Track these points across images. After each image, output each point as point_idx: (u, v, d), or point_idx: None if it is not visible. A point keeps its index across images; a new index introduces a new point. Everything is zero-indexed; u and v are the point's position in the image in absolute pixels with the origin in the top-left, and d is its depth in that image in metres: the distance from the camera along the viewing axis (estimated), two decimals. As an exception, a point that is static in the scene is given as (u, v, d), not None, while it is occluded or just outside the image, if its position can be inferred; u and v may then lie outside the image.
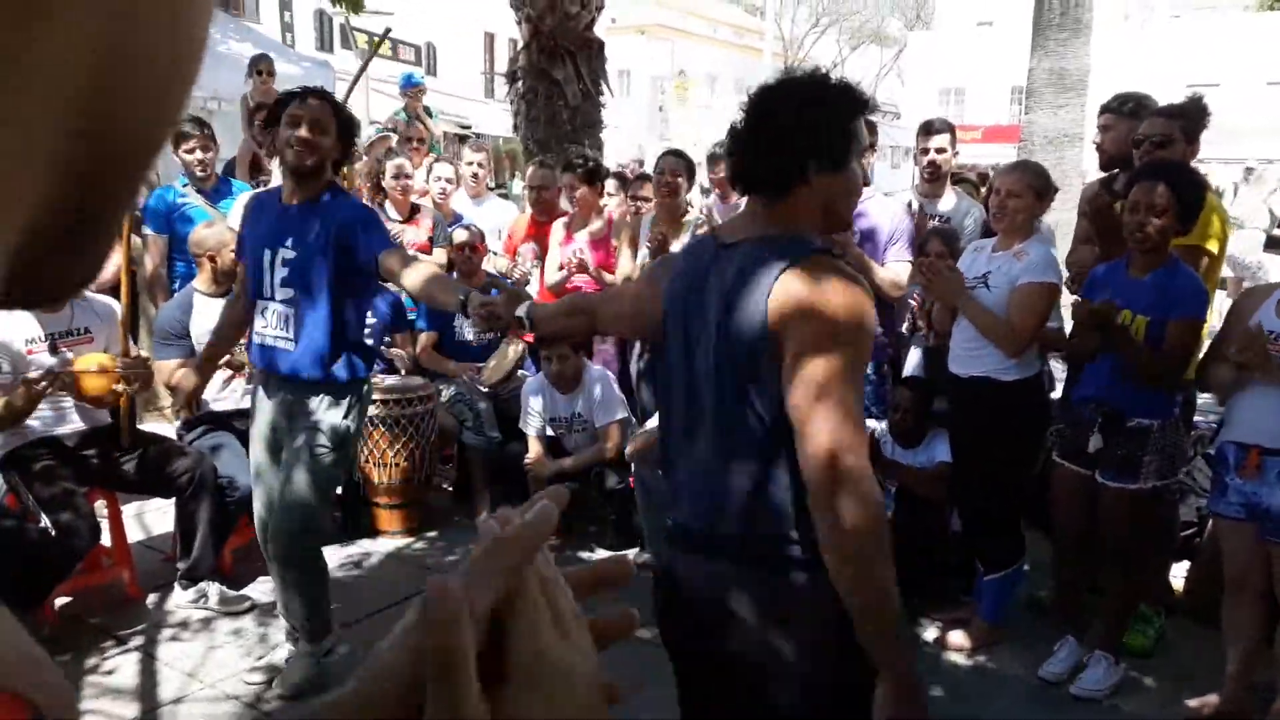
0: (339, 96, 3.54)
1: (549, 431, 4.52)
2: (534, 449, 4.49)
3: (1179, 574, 4.01)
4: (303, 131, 2.89)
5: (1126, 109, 3.96)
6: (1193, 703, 3.19)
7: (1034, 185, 3.44)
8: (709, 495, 1.70)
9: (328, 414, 3.04)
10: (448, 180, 5.63)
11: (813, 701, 1.65)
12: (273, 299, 3.03)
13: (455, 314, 4.98)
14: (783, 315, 1.55)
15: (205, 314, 4.06)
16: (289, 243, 2.98)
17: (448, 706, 0.40)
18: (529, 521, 0.46)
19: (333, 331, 3.00)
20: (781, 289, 1.55)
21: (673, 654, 1.84)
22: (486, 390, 4.82)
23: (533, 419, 4.49)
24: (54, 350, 3.63)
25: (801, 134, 1.61)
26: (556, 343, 4.29)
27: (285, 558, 3.09)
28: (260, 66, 6.49)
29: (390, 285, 5.22)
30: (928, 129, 4.50)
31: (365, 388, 3.20)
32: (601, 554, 4.40)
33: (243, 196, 5.24)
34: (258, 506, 3.20)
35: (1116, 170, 4.01)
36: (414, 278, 2.89)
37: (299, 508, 3.03)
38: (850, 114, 1.65)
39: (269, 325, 3.05)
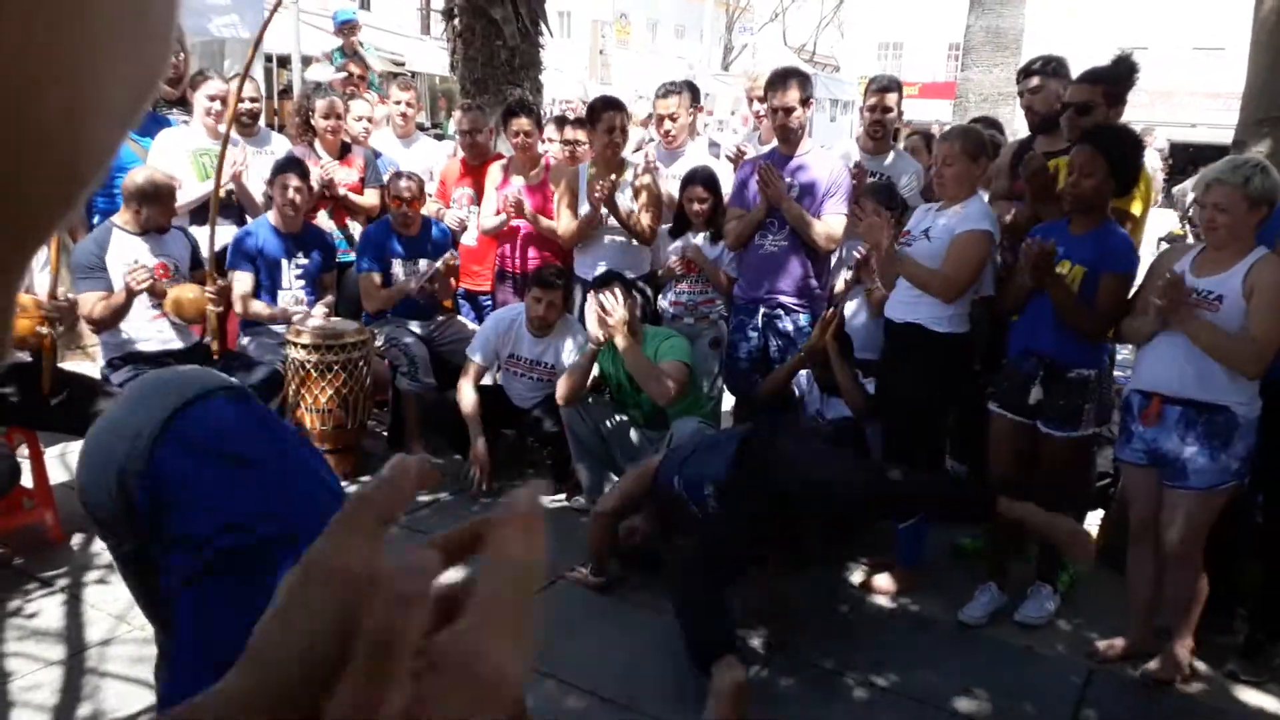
0: (256, 33, 3.42)
1: (498, 367, 4.50)
2: (468, 389, 4.43)
3: (1094, 522, 4.18)
4: None
5: (1051, 69, 4.04)
6: (1101, 644, 3.34)
7: (966, 149, 3.53)
8: None
9: None
10: (369, 120, 5.50)
11: None
12: None
13: (393, 259, 4.89)
14: None
15: (122, 249, 3.98)
16: None
17: (368, 698, 0.33)
18: (385, 478, 0.42)
19: None
20: None
21: None
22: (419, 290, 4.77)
23: (482, 350, 4.45)
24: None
25: None
26: (548, 287, 4.31)
27: None
28: None
29: (321, 224, 5.13)
30: (875, 86, 4.50)
31: None
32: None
33: (165, 132, 5.05)
34: None
35: (1033, 134, 4.12)
36: None
37: None
38: None
39: None
